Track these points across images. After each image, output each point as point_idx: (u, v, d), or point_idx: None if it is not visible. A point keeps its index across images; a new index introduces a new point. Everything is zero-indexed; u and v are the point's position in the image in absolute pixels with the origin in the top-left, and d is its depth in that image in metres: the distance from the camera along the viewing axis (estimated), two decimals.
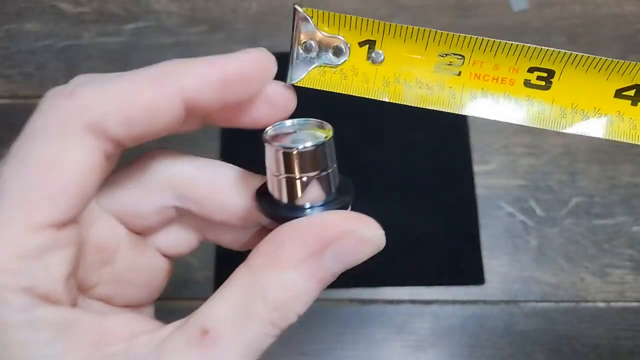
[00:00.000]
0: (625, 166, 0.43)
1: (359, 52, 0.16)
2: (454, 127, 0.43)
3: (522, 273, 0.40)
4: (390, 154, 0.43)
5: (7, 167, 0.14)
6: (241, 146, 0.44)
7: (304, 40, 0.16)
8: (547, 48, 0.15)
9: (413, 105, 0.17)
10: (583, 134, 0.16)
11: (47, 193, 0.13)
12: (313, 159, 0.15)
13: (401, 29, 0.16)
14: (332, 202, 0.16)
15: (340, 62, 0.16)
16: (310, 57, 0.16)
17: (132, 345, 0.14)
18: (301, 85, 0.17)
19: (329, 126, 0.16)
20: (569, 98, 0.16)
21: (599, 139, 0.44)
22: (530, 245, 0.41)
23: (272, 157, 0.15)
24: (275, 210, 0.16)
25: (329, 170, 0.16)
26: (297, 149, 0.15)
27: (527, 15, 0.47)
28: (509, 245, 0.41)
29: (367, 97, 0.17)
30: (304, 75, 0.16)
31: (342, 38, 0.16)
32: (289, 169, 0.15)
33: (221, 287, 0.15)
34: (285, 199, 0.15)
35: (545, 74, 0.16)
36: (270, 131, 0.16)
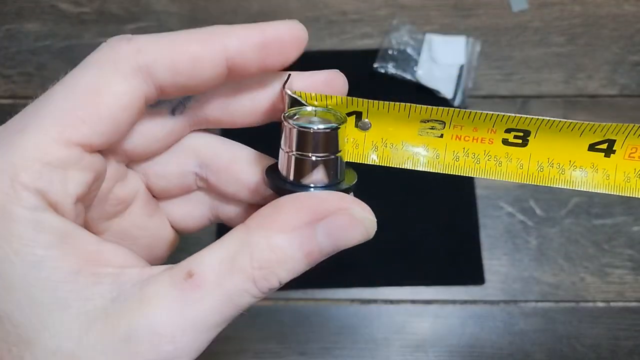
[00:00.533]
0: None
1: (347, 121, 0.17)
2: None
3: (522, 273, 0.40)
4: None
5: (56, 86, 0.15)
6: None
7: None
8: (520, 115, 0.16)
9: (400, 167, 0.18)
10: (560, 187, 0.17)
11: (84, 115, 0.14)
12: (324, 142, 0.16)
13: (384, 104, 0.17)
14: (335, 185, 0.17)
15: None
16: None
17: (121, 273, 0.15)
18: None
19: (344, 117, 0.17)
20: (545, 153, 0.17)
21: None
22: (530, 245, 0.41)
23: (287, 134, 0.16)
24: (281, 185, 0.17)
25: (337, 155, 0.17)
26: (312, 129, 0.16)
27: (526, 15, 0.47)
28: (508, 245, 0.41)
29: (358, 161, 0.18)
30: None
31: (335, 111, 0.17)
32: (300, 147, 0.16)
33: (216, 241, 0.15)
34: (292, 177, 0.16)
35: (521, 134, 0.17)
36: (290, 111, 0.17)
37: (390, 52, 0.45)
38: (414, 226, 0.41)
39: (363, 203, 0.16)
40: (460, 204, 0.42)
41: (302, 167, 0.16)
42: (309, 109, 0.17)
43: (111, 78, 0.15)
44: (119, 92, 0.15)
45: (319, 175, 0.16)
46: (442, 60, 0.45)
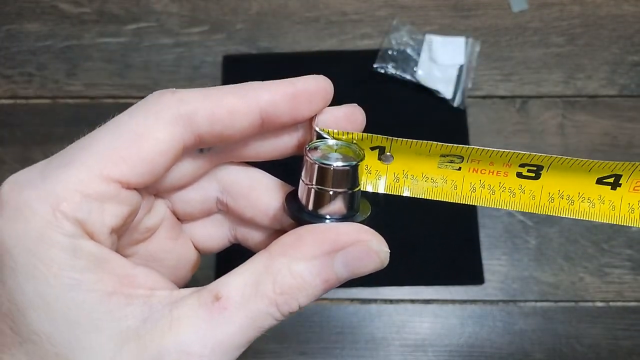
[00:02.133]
0: None
1: (370, 154, 0.19)
2: (453, 127, 0.44)
3: (521, 273, 0.40)
4: None
5: (101, 128, 0.16)
6: None
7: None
8: (534, 154, 0.17)
9: (421, 197, 0.20)
10: (569, 217, 0.18)
11: (125, 156, 0.16)
12: (343, 177, 0.17)
13: (407, 141, 0.19)
14: (351, 217, 0.18)
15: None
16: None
17: (152, 295, 0.16)
18: None
19: (363, 153, 0.18)
20: (556, 186, 0.18)
21: (598, 138, 0.45)
22: (530, 245, 0.41)
23: (308, 168, 0.17)
24: (300, 214, 0.18)
25: (355, 190, 0.18)
26: (332, 166, 0.17)
27: (526, 16, 0.47)
28: (508, 245, 0.41)
29: (379, 192, 0.20)
30: None
31: (355, 145, 0.19)
32: (320, 181, 0.17)
33: (241, 265, 0.16)
34: (310, 207, 0.18)
35: (534, 168, 0.18)
36: (312, 145, 0.18)
37: (390, 52, 0.45)
38: (414, 226, 0.41)
39: (379, 235, 0.17)
40: (459, 205, 0.42)
41: (320, 199, 0.17)
42: (331, 142, 0.18)
43: (154, 124, 0.16)
44: (160, 138, 0.16)
45: (336, 207, 0.18)
46: (441, 60, 0.45)
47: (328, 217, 0.18)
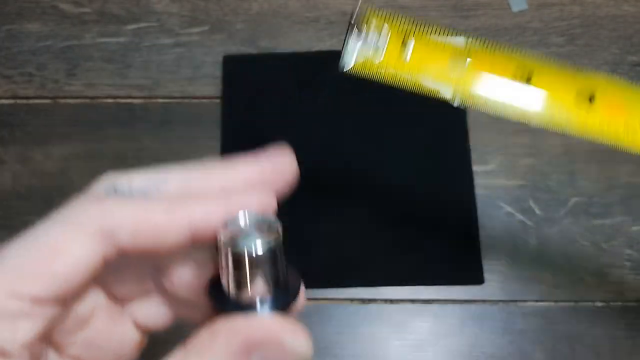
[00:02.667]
0: (624, 166, 0.43)
1: (394, 51, 0.20)
2: (453, 127, 0.44)
3: (521, 273, 0.40)
4: (389, 154, 0.43)
5: (20, 239, 0.16)
6: (242, 146, 0.44)
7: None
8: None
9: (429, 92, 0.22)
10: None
11: (37, 272, 0.15)
12: (262, 262, 0.16)
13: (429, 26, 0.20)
14: (277, 299, 0.17)
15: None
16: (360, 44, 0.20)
17: None
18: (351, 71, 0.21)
19: (279, 226, 0.17)
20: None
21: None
22: (530, 245, 0.41)
23: (223, 256, 0.16)
24: (219, 303, 0.17)
25: (278, 270, 0.17)
26: (247, 253, 0.16)
27: (526, 16, 0.47)
28: (508, 245, 0.41)
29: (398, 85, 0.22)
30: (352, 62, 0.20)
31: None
32: (236, 268, 0.16)
33: None
34: (232, 291, 0.17)
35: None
36: (224, 229, 0.17)
37: None
38: (414, 226, 0.41)
39: (297, 327, 0.16)
40: (459, 204, 0.42)
41: (240, 284, 0.16)
42: (241, 221, 0.17)
43: (71, 239, 0.16)
44: (76, 254, 0.16)
45: (258, 290, 0.17)
46: None
47: (250, 303, 0.17)
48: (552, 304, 0.40)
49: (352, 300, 0.40)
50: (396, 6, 0.48)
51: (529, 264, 0.41)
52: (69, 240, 0.16)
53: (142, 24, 0.48)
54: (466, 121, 0.44)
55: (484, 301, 0.40)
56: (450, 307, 0.40)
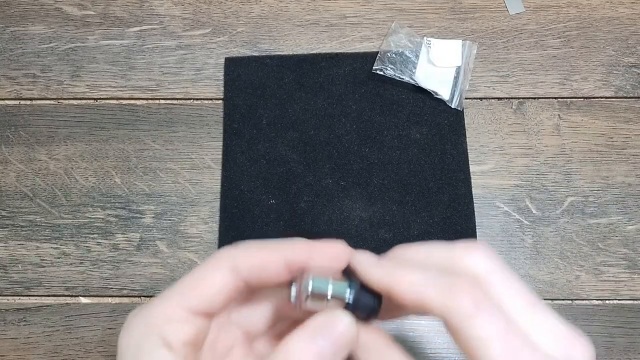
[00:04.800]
0: (619, 166, 0.43)
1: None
2: (451, 127, 0.44)
3: (517, 271, 0.41)
4: (388, 154, 0.43)
5: (187, 275, 0.24)
6: (242, 146, 0.44)
7: None
8: None
9: None
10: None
11: (194, 294, 0.23)
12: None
13: None
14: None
15: None
16: None
17: None
18: None
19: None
20: None
21: (594, 139, 0.45)
22: (526, 243, 0.42)
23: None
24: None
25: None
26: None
27: (523, 18, 0.48)
28: (504, 244, 0.42)
29: None
30: None
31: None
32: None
33: None
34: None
35: None
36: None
37: (389, 54, 0.46)
38: (411, 226, 0.42)
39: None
40: (457, 204, 0.42)
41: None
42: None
43: (213, 271, 0.23)
44: (217, 281, 0.23)
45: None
46: (439, 62, 0.46)
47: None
48: (548, 302, 0.40)
49: None
50: (395, 9, 0.48)
51: (525, 262, 0.41)
52: (213, 274, 0.23)
53: (145, 27, 0.48)
54: (464, 122, 0.44)
55: None
56: None
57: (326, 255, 0.23)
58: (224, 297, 0.23)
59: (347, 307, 0.22)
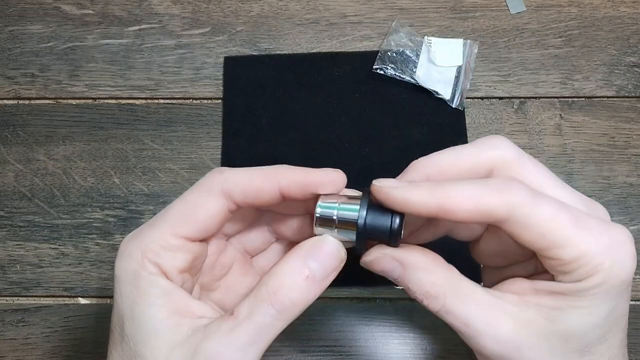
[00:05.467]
0: (621, 166, 0.43)
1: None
2: (452, 127, 0.44)
3: None
4: (388, 155, 0.43)
5: (176, 200, 0.24)
6: (242, 146, 0.44)
7: None
8: None
9: None
10: None
11: (187, 220, 0.23)
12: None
13: None
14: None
15: None
16: None
17: (197, 320, 0.23)
18: None
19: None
20: None
21: (595, 138, 0.45)
22: None
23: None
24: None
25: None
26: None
27: (524, 18, 0.47)
28: None
29: None
30: None
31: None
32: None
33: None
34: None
35: None
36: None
37: (389, 54, 0.46)
38: None
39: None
40: None
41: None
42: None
43: (206, 198, 0.24)
44: (210, 207, 0.23)
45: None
46: (440, 62, 0.45)
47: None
48: None
49: (352, 299, 0.41)
50: (395, 8, 0.48)
51: None
52: (204, 199, 0.23)
53: (144, 26, 0.48)
54: (465, 122, 0.44)
55: None
56: None
57: (321, 179, 0.24)
58: (217, 221, 0.24)
59: (359, 230, 0.22)
